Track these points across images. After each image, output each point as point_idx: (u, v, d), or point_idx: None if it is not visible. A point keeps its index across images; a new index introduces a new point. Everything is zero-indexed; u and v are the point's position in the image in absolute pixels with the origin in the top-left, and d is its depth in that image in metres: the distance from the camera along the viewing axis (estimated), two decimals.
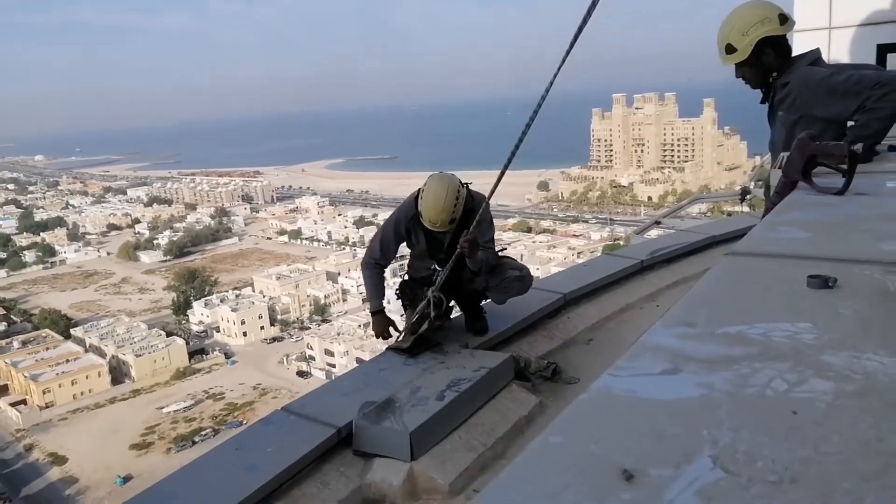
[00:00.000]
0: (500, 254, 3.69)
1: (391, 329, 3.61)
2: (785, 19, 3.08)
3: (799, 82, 3.04)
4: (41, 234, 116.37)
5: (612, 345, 4.07)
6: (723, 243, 5.75)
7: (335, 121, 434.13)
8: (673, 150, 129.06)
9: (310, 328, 71.20)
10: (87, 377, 60.90)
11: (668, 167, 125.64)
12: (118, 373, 63.20)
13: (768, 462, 0.76)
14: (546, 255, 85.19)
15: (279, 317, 74.72)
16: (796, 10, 8.21)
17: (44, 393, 58.36)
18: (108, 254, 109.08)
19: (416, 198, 3.43)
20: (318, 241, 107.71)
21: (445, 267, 3.40)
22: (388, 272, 3.74)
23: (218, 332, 72.49)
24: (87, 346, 66.40)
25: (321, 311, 76.55)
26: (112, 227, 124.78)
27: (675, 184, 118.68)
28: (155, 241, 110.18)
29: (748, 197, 12.20)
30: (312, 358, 62.81)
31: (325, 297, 78.40)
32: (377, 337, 3.53)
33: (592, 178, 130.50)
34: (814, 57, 3.17)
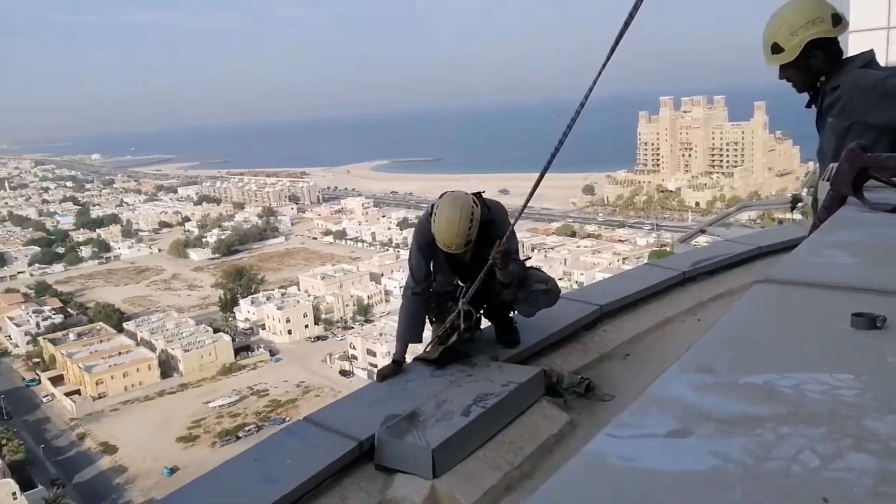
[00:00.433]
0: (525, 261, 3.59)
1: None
2: (838, 20, 2.86)
3: (850, 86, 2.83)
4: (97, 230, 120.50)
5: (650, 360, 3.92)
6: (770, 255, 5.51)
7: (380, 123, 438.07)
8: (722, 155, 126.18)
9: (353, 328, 71.93)
10: (137, 370, 62.74)
11: (717, 172, 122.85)
12: (167, 367, 64.88)
13: None
14: (590, 260, 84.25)
15: (323, 316, 75.66)
16: (852, 9, 7.83)
17: (97, 384, 60.28)
18: (160, 250, 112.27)
19: (428, 218, 3.33)
20: (363, 241, 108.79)
21: (477, 278, 3.32)
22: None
23: (263, 329, 73.80)
24: (139, 339, 68.37)
25: (364, 312, 77.22)
26: (163, 224, 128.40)
27: (723, 189, 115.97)
28: (204, 239, 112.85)
29: (799, 205, 11.79)
30: (355, 357, 63.37)
31: (369, 297, 79.11)
32: (377, 376, 3.35)
33: (639, 182, 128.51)
34: (867, 59, 2.94)
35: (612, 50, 2.49)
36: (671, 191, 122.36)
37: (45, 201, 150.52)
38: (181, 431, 53.48)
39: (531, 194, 3.24)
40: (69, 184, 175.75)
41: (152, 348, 66.03)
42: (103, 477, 48.61)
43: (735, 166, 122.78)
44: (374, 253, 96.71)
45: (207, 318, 75.99)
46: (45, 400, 61.99)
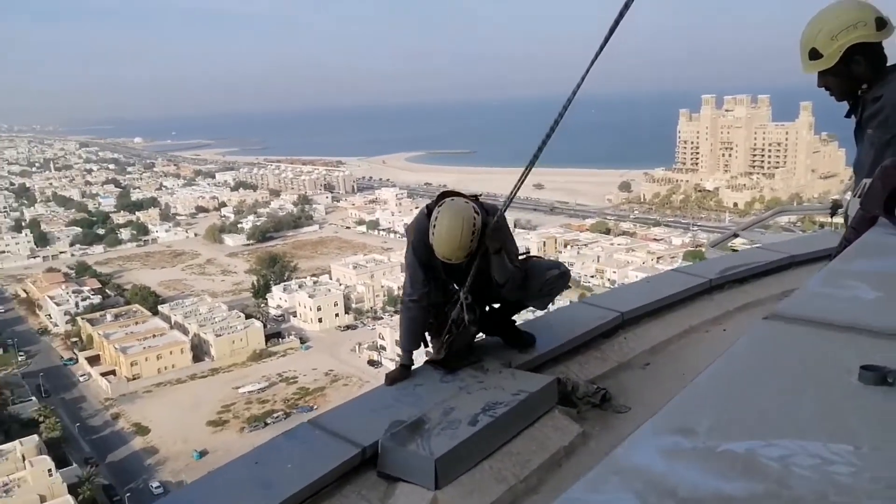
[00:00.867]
0: (526, 257, 3.46)
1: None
2: (883, 24, 2.67)
3: (894, 97, 2.65)
4: (136, 213, 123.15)
5: (671, 370, 3.80)
6: (804, 264, 5.31)
7: (417, 114, 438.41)
8: (763, 156, 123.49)
9: (382, 318, 72.26)
10: (170, 353, 63.94)
11: (758, 173, 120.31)
12: (199, 350, 65.98)
13: None
14: (624, 258, 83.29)
15: (353, 305, 76.19)
16: None
17: (131, 365, 61.61)
18: (196, 235, 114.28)
19: (424, 223, 3.17)
20: (395, 232, 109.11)
21: (473, 265, 3.17)
22: None
23: (294, 316, 74.61)
24: (173, 322, 69.69)
25: (394, 303, 77.45)
26: (200, 209, 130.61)
27: (763, 190, 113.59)
28: (239, 225, 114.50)
29: (839, 210, 11.40)
30: (384, 348, 63.70)
31: (399, 288, 79.30)
32: (385, 380, 3.24)
33: (676, 180, 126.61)
34: None
35: (602, 47, 2.39)
36: (709, 190, 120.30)
37: (87, 183, 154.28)
38: (211, 415, 54.36)
39: (516, 189, 3.12)
40: (111, 166, 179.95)
41: (185, 332, 67.20)
42: (135, 457, 49.65)
43: (777, 167, 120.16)
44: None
45: (240, 304, 77.09)
46: (81, 379, 63.49)
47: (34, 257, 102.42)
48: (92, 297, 77.74)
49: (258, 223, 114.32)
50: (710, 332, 4.35)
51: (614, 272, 79.77)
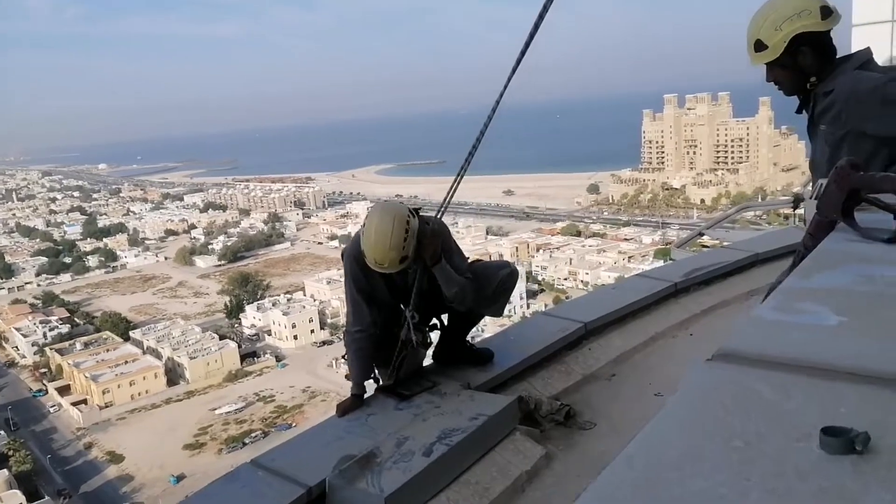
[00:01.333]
0: (470, 262, 3.27)
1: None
2: (829, 12, 2.54)
3: (846, 91, 2.51)
4: (104, 239, 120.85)
5: (637, 381, 3.69)
6: (768, 262, 5.26)
7: (386, 127, 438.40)
8: (727, 152, 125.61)
9: None
10: (144, 378, 62.69)
11: (722, 169, 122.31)
12: (174, 374, 64.84)
13: None
14: (596, 259, 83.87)
15: (329, 320, 75.50)
16: (855, 2, 7.44)
17: (103, 393, 60.27)
18: (166, 258, 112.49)
19: (358, 249, 2.94)
20: None
21: (416, 279, 2.98)
22: None
23: (269, 335, 73.71)
24: (145, 348, 68.37)
25: None
26: (170, 232, 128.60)
27: (728, 186, 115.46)
28: (210, 246, 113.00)
29: (802, 203, 11.50)
30: None
31: None
32: (336, 410, 3.03)
33: (644, 180, 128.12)
34: (864, 58, 2.61)
35: (523, 53, 2.31)
36: (676, 188, 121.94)
37: (52, 212, 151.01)
38: (188, 439, 53.39)
39: (445, 205, 2.97)
40: (76, 194, 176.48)
41: (159, 356, 66.00)
42: (110, 486, 48.56)
43: (740, 163, 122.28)
44: None
45: (213, 325, 75.97)
46: (51, 410, 61.95)
47: None
48: (60, 326, 75.85)
49: (229, 243, 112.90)
50: (677, 337, 4.26)
51: (587, 273, 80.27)
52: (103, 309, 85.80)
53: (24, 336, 73.56)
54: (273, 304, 76.41)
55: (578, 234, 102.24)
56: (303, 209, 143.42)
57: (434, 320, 3.30)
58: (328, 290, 78.85)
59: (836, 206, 1.74)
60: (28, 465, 48.00)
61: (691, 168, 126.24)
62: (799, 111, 2.78)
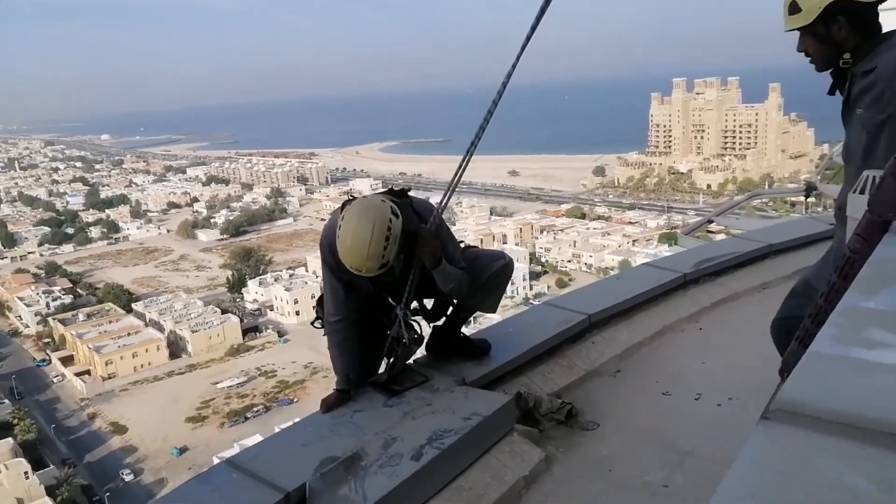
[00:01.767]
0: (462, 246, 3.02)
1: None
2: None
3: (889, 70, 2.23)
4: (106, 210, 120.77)
5: (643, 377, 3.49)
6: (782, 253, 5.04)
7: (391, 104, 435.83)
8: (735, 137, 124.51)
9: None
10: (146, 350, 62.98)
11: (729, 154, 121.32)
12: (176, 347, 65.09)
13: None
14: (600, 242, 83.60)
15: None
16: None
17: (106, 364, 60.57)
18: (168, 231, 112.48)
19: (334, 235, 2.61)
20: None
21: (410, 278, 2.75)
22: None
23: (271, 310, 73.82)
24: (147, 320, 68.60)
25: None
26: (172, 205, 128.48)
27: (735, 171, 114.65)
28: (212, 220, 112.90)
29: (814, 192, 11.23)
30: None
31: None
32: (321, 406, 2.77)
33: (650, 164, 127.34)
34: None
35: (529, 37, 2.12)
36: (682, 173, 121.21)
37: (54, 182, 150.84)
38: (190, 412, 53.68)
39: (449, 195, 2.73)
40: (79, 164, 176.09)
41: (161, 329, 66.21)
42: (114, 457, 48.93)
43: (748, 148, 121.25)
44: None
45: (216, 299, 76.10)
46: (55, 380, 62.37)
47: (1, 258, 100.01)
48: (63, 296, 76.13)
49: (231, 217, 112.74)
50: (686, 330, 4.06)
51: (591, 256, 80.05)
52: (105, 280, 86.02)
53: (28, 306, 73.82)
54: (275, 280, 76.48)
55: (583, 216, 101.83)
56: (306, 185, 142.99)
57: (419, 305, 3.05)
58: None
59: (894, 203, 1.46)
60: (33, 434, 48.46)
61: (698, 153, 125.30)
62: (831, 92, 2.50)
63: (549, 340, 3.48)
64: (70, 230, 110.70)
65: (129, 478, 45.25)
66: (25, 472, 40.81)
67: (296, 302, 72.03)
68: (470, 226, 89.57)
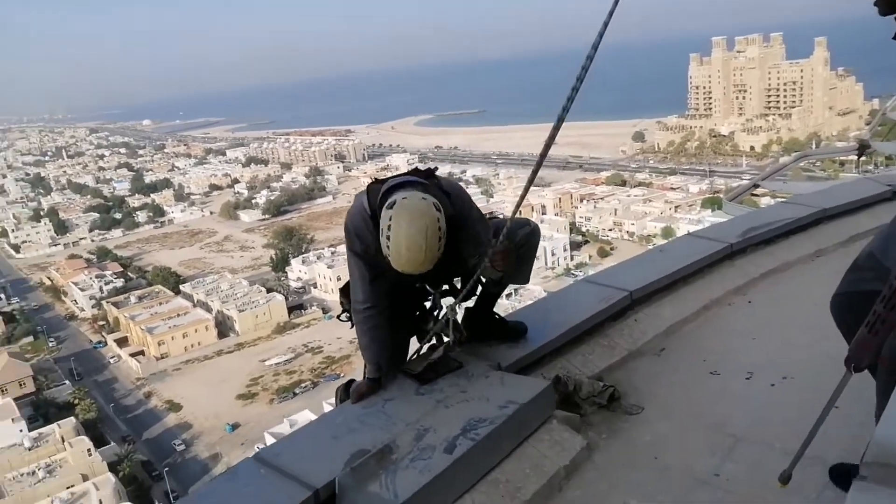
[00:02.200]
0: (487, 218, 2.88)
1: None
2: None
3: None
4: (151, 195, 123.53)
5: (690, 356, 3.32)
6: (836, 218, 4.76)
7: (422, 76, 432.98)
8: (779, 96, 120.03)
9: None
10: (196, 331, 64.61)
11: (773, 114, 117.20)
12: (223, 327, 66.56)
13: None
14: (642, 209, 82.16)
15: None
16: None
17: (159, 345, 62.41)
18: (211, 213, 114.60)
19: (362, 224, 2.56)
20: None
21: (466, 285, 2.66)
22: None
23: (315, 287, 74.83)
24: (195, 301, 70.21)
25: None
26: (214, 187, 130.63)
27: (780, 132, 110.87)
28: (253, 201, 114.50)
29: (867, 151, 10.67)
30: None
31: None
32: (352, 396, 2.69)
33: (690, 127, 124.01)
34: None
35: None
36: (724, 135, 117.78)
37: (101, 168, 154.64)
38: (240, 389, 55.02)
39: (530, 183, 2.54)
40: (122, 150, 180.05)
41: (209, 309, 67.72)
42: (170, 433, 50.58)
43: (793, 107, 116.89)
44: None
45: (260, 279, 77.39)
46: (111, 361, 64.59)
47: (55, 245, 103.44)
48: (115, 280, 78.55)
49: (272, 197, 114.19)
50: (734, 304, 3.85)
51: (632, 224, 78.78)
52: (154, 263, 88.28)
53: (82, 290, 76.35)
54: (318, 258, 77.39)
55: (623, 183, 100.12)
56: (343, 162, 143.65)
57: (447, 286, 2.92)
58: None
59: None
60: (93, 414, 50.29)
61: (740, 114, 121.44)
62: None
63: (589, 320, 3.32)
64: (118, 215, 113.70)
65: (180, 448, 47.45)
66: (88, 450, 42.26)
67: (339, 279, 72.75)
68: (508, 197, 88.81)
